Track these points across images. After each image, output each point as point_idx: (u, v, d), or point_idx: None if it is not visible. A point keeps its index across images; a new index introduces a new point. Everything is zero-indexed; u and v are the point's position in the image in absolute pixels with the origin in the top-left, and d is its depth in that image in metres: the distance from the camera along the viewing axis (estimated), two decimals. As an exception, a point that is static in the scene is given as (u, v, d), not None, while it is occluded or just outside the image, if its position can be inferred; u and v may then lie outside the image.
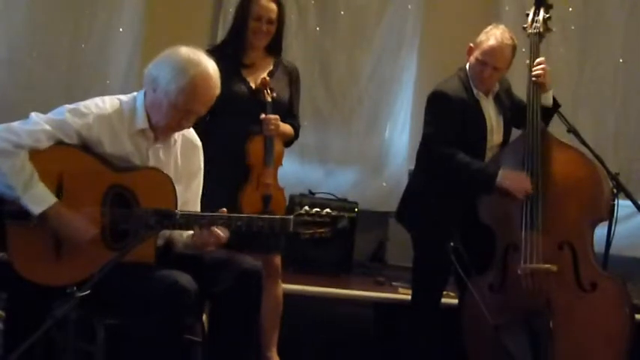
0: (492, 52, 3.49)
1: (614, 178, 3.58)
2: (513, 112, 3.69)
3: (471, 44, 3.59)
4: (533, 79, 3.55)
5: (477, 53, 3.53)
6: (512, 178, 3.45)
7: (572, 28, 5.02)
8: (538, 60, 3.57)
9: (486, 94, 3.61)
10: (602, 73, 5.12)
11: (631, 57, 5.10)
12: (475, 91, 3.57)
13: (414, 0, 5.18)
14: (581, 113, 4.97)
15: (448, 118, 3.50)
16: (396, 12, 5.20)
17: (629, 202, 3.65)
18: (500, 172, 3.45)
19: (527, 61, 3.63)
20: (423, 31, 5.17)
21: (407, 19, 5.20)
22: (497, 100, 3.66)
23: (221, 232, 2.68)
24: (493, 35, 3.50)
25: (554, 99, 3.63)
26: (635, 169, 5.04)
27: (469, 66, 3.58)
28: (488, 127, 3.59)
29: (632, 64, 5.10)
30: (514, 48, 3.54)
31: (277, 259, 3.57)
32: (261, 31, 3.48)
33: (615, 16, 5.09)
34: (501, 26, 3.58)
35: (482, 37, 3.54)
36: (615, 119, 5.14)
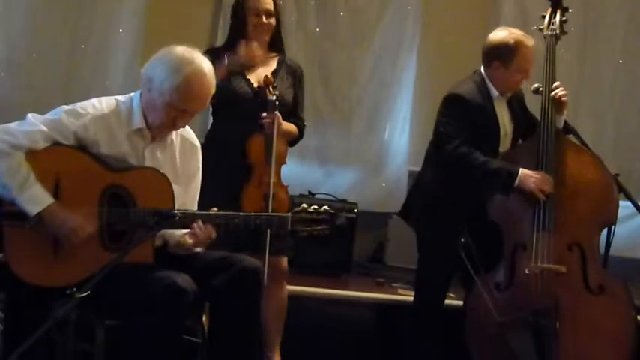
0: (531, 58, 3.50)
1: (613, 179, 3.58)
2: (524, 125, 3.69)
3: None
4: (557, 95, 3.53)
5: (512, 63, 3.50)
6: (534, 179, 3.43)
7: (572, 28, 5.02)
8: (556, 84, 3.57)
9: (502, 94, 3.59)
10: (602, 73, 5.13)
11: (630, 58, 5.10)
12: (495, 94, 3.55)
13: (413, 0, 5.19)
14: (581, 113, 4.97)
15: (464, 120, 3.48)
16: (396, 12, 5.20)
17: (628, 203, 3.65)
18: (520, 172, 3.43)
19: (543, 64, 3.63)
20: (422, 31, 5.17)
21: (407, 19, 5.20)
22: (509, 105, 3.65)
23: (207, 229, 2.66)
24: (522, 41, 3.48)
25: (566, 124, 3.61)
26: (635, 169, 5.04)
27: (496, 75, 3.54)
28: (502, 132, 3.58)
29: (631, 64, 5.11)
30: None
31: (284, 262, 3.57)
32: (262, 25, 3.50)
33: (615, 17, 5.10)
34: (513, 29, 3.56)
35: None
36: (615, 120, 5.14)
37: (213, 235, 2.69)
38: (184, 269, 2.66)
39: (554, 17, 3.71)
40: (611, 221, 3.53)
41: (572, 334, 3.34)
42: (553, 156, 3.47)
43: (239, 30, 3.53)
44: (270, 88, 3.41)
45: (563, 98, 3.54)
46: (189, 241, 2.68)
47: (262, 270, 2.86)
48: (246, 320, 2.78)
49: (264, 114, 3.38)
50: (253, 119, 3.39)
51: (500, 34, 3.54)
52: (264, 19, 3.49)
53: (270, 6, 3.51)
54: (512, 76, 3.53)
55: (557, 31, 3.68)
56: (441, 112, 3.56)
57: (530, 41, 3.52)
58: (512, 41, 3.49)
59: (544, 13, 3.75)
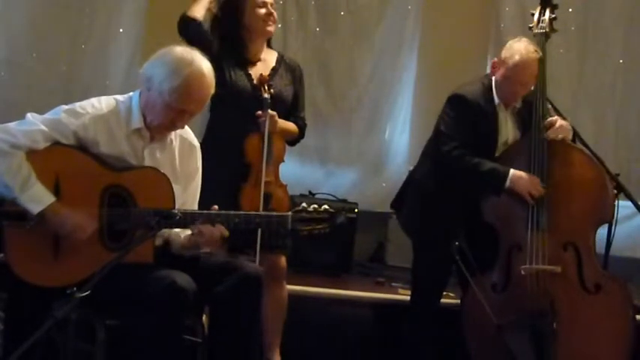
0: (518, 69, 3.45)
1: (614, 178, 3.58)
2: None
3: (495, 59, 3.57)
4: (549, 139, 3.51)
5: (502, 71, 3.49)
6: (523, 181, 3.43)
7: (573, 28, 5.03)
8: (550, 120, 3.53)
9: (506, 106, 3.58)
10: (602, 73, 5.14)
11: (630, 58, 5.11)
12: (497, 101, 3.54)
13: (413, 0, 5.19)
14: (581, 113, 4.97)
15: (464, 121, 3.49)
16: (396, 12, 5.21)
17: (629, 203, 3.65)
18: (511, 174, 3.44)
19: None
20: (423, 31, 5.18)
21: (407, 19, 5.21)
22: (518, 114, 3.63)
23: (218, 228, 2.65)
24: (518, 51, 3.46)
25: (574, 132, 3.60)
26: (635, 169, 5.04)
27: (495, 82, 3.54)
28: (502, 139, 3.58)
29: (631, 64, 5.12)
30: (540, 61, 3.51)
31: (282, 261, 3.53)
32: (270, 16, 3.41)
33: (615, 17, 5.11)
34: (524, 39, 3.54)
35: (505, 53, 3.50)
36: (615, 119, 5.16)
37: (226, 234, 2.67)
38: (185, 272, 2.65)
39: (544, 15, 3.69)
40: (606, 219, 3.53)
41: (570, 334, 3.34)
42: (545, 156, 3.47)
43: (235, 29, 3.46)
44: (265, 87, 3.38)
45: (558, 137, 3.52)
46: (199, 240, 2.66)
47: (263, 275, 2.85)
48: (247, 326, 2.77)
49: (259, 112, 3.36)
50: (251, 116, 3.36)
51: (512, 46, 3.50)
52: (271, 9, 3.39)
53: None
54: (512, 87, 3.52)
55: (547, 29, 3.67)
56: (443, 111, 3.57)
57: (534, 55, 3.47)
58: (517, 55, 3.45)
59: (533, 11, 3.73)
